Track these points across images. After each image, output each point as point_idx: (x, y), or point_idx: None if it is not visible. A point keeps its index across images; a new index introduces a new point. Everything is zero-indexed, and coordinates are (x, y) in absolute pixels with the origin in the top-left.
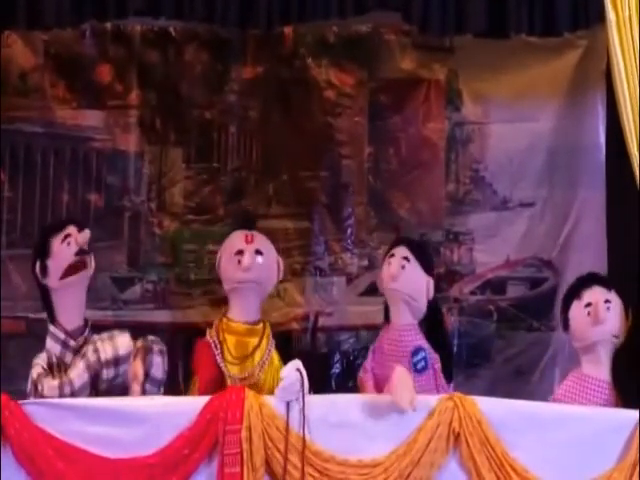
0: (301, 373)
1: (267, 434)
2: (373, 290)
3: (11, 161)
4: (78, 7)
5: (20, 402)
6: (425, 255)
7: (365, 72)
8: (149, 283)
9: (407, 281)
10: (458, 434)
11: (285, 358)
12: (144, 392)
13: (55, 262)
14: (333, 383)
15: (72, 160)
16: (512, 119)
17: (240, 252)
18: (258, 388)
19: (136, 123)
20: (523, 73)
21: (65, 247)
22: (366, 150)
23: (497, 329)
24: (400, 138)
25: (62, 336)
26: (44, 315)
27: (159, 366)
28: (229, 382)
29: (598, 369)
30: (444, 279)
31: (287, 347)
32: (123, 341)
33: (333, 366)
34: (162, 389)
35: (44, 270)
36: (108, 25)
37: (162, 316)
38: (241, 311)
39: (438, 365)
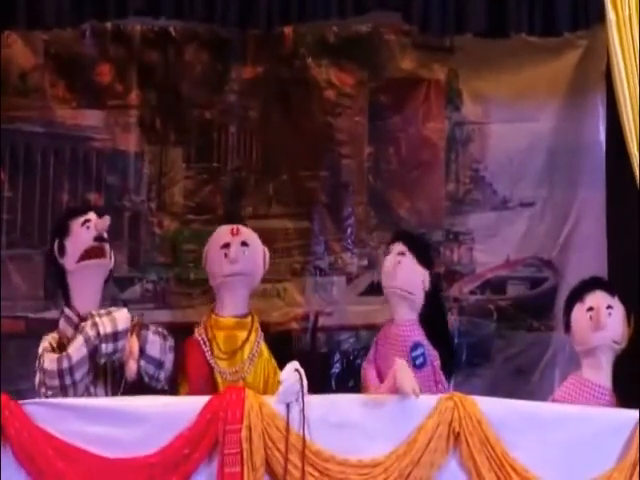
0: (300, 373)
1: (267, 434)
2: (373, 290)
3: (11, 161)
4: (78, 7)
5: (20, 402)
6: (421, 248)
7: (365, 72)
8: (149, 283)
9: (403, 276)
10: (458, 434)
11: (285, 358)
12: (139, 369)
13: (73, 243)
14: (333, 383)
15: (72, 160)
16: (512, 119)
17: (226, 245)
18: (247, 381)
19: (136, 123)
20: (523, 73)
21: (84, 230)
22: (366, 150)
23: (497, 329)
24: (400, 138)
25: (75, 320)
26: (44, 315)
27: (155, 344)
28: (219, 377)
29: (598, 374)
30: (444, 279)
31: (287, 347)
32: (122, 316)
33: (333, 366)
34: (163, 372)
35: (62, 250)
36: (108, 25)
37: (162, 316)
38: (230, 305)
39: (437, 362)
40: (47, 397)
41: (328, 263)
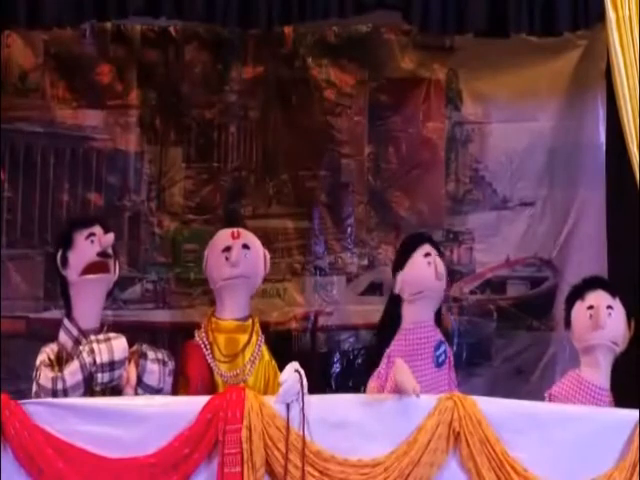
0: (300, 374)
1: (267, 434)
2: (373, 289)
3: (11, 161)
4: (78, 7)
5: (20, 402)
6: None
7: (365, 72)
8: (149, 283)
9: (444, 278)
10: (458, 434)
11: (285, 358)
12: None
13: (76, 256)
14: (333, 383)
15: (72, 160)
16: (512, 119)
17: (227, 249)
18: (248, 385)
19: (136, 123)
20: (523, 73)
21: (88, 244)
22: (366, 150)
23: (497, 328)
24: (400, 138)
25: (75, 332)
26: (44, 315)
27: (153, 374)
28: (219, 380)
29: (596, 374)
30: None
31: (287, 347)
32: (119, 345)
33: (333, 366)
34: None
35: (65, 261)
36: (108, 25)
37: (162, 316)
38: (231, 308)
39: (452, 358)
40: None
41: (328, 263)
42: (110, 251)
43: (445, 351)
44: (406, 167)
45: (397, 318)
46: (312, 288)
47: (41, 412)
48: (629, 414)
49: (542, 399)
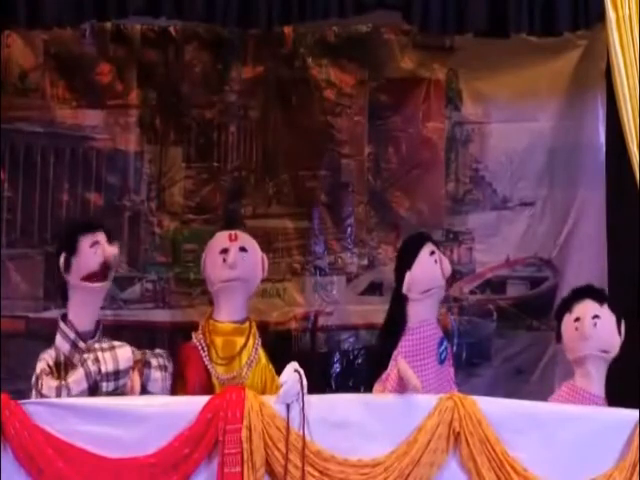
0: (300, 374)
1: (267, 434)
2: (373, 289)
3: (11, 161)
4: (78, 7)
5: (20, 402)
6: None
7: (365, 72)
8: (149, 282)
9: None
10: (458, 434)
11: (285, 358)
12: None
13: (79, 262)
14: (333, 383)
15: (72, 160)
16: (512, 119)
17: (225, 251)
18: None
19: (136, 123)
20: (523, 73)
21: (92, 253)
22: (366, 150)
23: (497, 328)
24: (400, 138)
25: (72, 335)
26: (44, 315)
27: (157, 382)
28: (216, 383)
29: (589, 383)
30: None
31: (287, 347)
32: (124, 355)
33: (333, 366)
34: None
35: (67, 265)
36: (108, 25)
37: (162, 315)
38: (228, 310)
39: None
40: None
41: (328, 263)
42: (110, 261)
43: (446, 347)
44: (406, 167)
45: (402, 318)
46: (312, 288)
47: (41, 412)
48: (629, 414)
49: (542, 399)
